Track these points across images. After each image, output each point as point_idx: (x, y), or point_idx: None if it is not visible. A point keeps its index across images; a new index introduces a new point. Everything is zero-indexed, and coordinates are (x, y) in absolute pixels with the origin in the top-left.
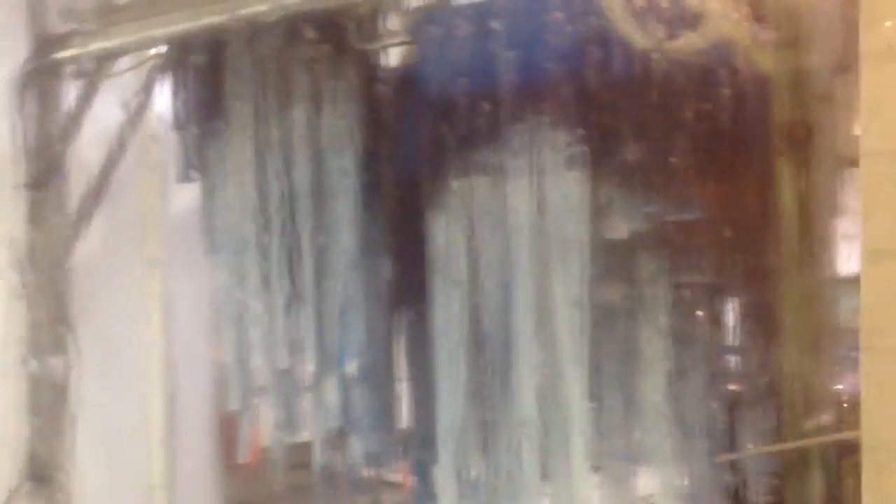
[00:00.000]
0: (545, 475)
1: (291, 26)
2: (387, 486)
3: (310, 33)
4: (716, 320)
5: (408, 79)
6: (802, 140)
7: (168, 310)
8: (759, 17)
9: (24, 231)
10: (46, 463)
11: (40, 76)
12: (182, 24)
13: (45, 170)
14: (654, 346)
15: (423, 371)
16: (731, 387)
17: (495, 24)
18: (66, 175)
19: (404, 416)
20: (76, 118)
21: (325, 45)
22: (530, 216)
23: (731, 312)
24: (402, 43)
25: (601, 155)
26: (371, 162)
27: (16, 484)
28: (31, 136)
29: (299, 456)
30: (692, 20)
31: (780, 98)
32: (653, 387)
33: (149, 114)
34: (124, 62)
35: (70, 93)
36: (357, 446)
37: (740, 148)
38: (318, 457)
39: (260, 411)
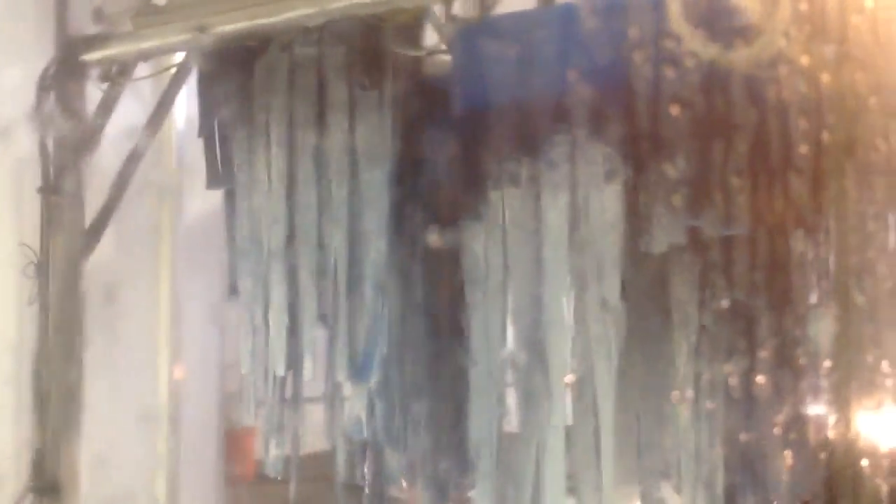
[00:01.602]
0: (575, 492)
1: (329, 33)
2: (394, 502)
3: (348, 40)
4: (753, 341)
5: (447, 89)
6: (857, 157)
7: (179, 319)
8: (817, 34)
9: (40, 236)
10: (52, 474)
11: (64, 79)
12: (220, 28)
13: (63, 174)
14: (688, 363)
15: (453, 386)
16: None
17: (536, 35)
18: (83, 180)
19: (430, 431)
20: (97, 123)
21: (363, 53)
22: (566, 229)
23: (768, 334)
24: (442, 52)
25: (642, 169)
26: (406, 172)
27: (21, 494)
28: (51, 139)
29: (305, 469)
30: (750, 34)
31: (836, 115)
32: (684, 403)
33: (168, 119)
34: (145, 68)
35: (94, 96)
36: (378, 460)
37: (790, 163)
38: (339, 469)
39: (274, 424)
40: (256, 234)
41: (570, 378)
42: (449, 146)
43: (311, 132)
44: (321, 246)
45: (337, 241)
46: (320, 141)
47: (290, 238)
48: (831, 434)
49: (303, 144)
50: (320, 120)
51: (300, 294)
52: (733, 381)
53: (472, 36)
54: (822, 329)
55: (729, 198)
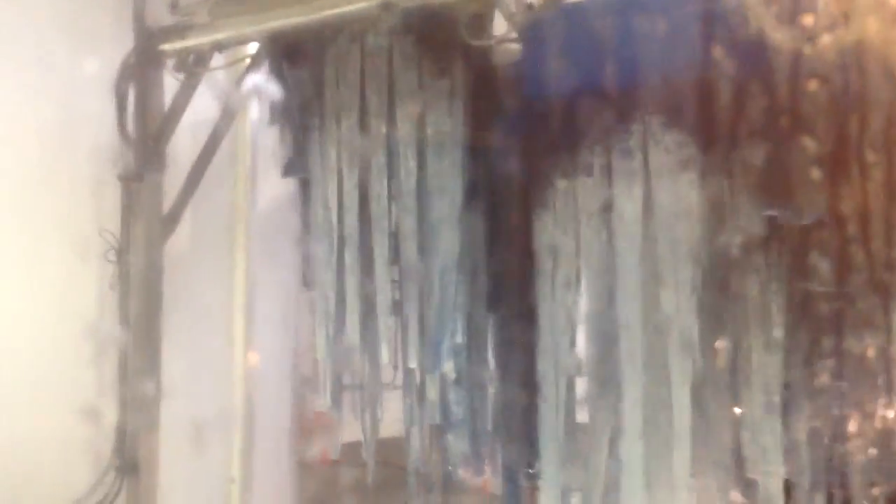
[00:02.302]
0: (647, 484)
1: (400, 22)
2: (466, 490)
3: (418, 30)
4: (834, 331)
5: (517, 77)
6: None
7: (253, 305)
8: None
9: (121, 222)
10: (133, 454)
11: (143, 68)
12: (293, 19)
13: (143, 162)
14: (763, 356)
15: (523, 374)
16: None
17: (608, 24)
18: (162, 168)
19: (500, 419)
20: (176, 111)
21: (433, 42)
22: (640, 219)
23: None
24: (513, 40)
25: (718, 157)
26: (476, 161)
27: (103, 473)
28: (131, 128)
29: (378, 454)
30: (839, 18)
31: None
32: (759, 397)
33: (243, 108)
34: (222, 58)
35: (171, 86)
36: (450, 446)
37: (874, 152)
38: (412, 455)
39: (348, 409)
40: (329, 223)
41: (643, 372)
42: (519, 135)
43: (382, 121)
44: (392, 234)
45: (408, 230)
46: (391, 129)
47: (363, 226)
48: None
49: (374, 133)
50: (391, 109)
51: (373, 282)
52: (814, 375)
53: (542, 24)
54: None
55: (808, 187)
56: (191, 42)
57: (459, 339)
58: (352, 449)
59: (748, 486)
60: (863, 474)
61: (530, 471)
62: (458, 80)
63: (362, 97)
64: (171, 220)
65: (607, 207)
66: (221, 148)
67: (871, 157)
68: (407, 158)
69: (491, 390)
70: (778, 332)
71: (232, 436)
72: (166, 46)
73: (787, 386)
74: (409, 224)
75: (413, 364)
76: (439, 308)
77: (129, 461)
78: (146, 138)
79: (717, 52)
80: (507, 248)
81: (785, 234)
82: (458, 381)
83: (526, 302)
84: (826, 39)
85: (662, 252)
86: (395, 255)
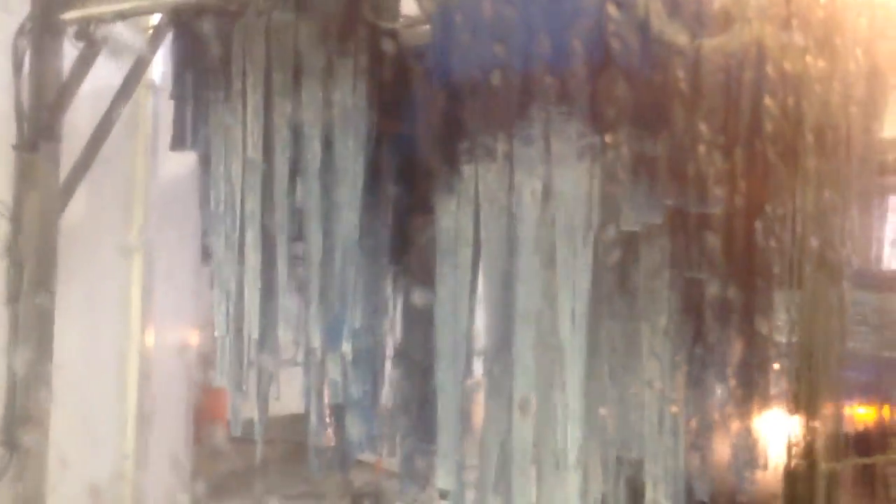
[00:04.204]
0: (538, 462)
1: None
2: (364, 467)
3: (325, 7)
4: (720, 317)
5: (424, 61)
6: (830, 142)
7: (151, 279)
8: (790, 23)
9: (14, 192)
10: (22, 430)
11: (40, 36)
12: None
13: (38, 132)
14: (655, 342)
15: (422, 355)
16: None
17: (514, 11)
18: (59, 138)
19: (399, 398)
20: (74, 81)
21: (339, 21)
22: (538, 205)
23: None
24: (420, 23)
25: (615, 147)
26: (379, 143)
27: None
28: (27, 97)
29: (276, 431)
30: (724, 22)
31: (808, 100)
32: (650, 380)
33: (144, 80)
34: (124, 28)
35: (69, 56)
36: (348, 424)
37: (761, 147)
38: (311, 432)
39: (243, 386)
40: (231, 200)
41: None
42: (424, 118)
43: (287, 99)
44: (294, 213)
45: (311, 209)
46: (295, 108)
47: (265, 204)
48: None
49: (278, 110)
50: (295, 87)
51: (274, 260)
52: (701, 362)
53: (451, 9)
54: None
55: (702, 177)
56: (92, 10)
57: (360, 319)
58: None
59: (635, 467)
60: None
61: (426, 448)
62: (363, 61)
63: (267, 74)
64: (66, 192)
65: (508, 193)
66: (121, 119)
67: (760, 151)
68: (311, 138)
69: (390, 370)
70: (664, 319)
71: (126, 412)
72: (67, 15)
73: (674, 369)
74: (312, 204)
75: (314, 343)
76: (340, 288)
77: (18, 438)
78: (42, 107)
79: (617, 46)
80: (409, 230)
81: (678, 224)
82: (357, 361)
83: (426, 284)
84: (720, 39)
85: (560, 238)
86: (298, 234)
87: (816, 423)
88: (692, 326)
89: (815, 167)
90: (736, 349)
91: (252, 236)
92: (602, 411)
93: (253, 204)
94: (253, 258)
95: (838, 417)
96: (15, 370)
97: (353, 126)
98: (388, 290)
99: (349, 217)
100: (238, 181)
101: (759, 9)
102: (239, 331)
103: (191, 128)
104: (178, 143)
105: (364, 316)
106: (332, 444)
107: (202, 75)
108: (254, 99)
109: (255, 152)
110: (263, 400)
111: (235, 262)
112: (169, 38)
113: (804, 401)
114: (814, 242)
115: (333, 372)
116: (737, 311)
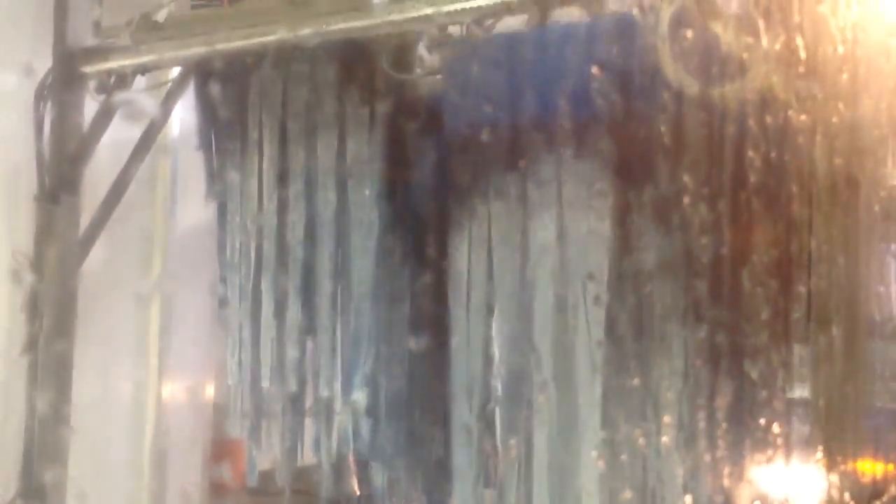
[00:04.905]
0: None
1: (323, 51)
2: None
3: (341, 59)
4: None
5: (437, 109)
6: (843, 192)
7: (169, 329)
8: (804, 71)
9: (34, 244)
10: (40, 481)
11: (61, 89)
12: (220, 45)
13: (58, 184)
14: (669, 384)
15: (438, 402)
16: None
17: (527, 56)
18: (79, 190)
19: (414, 449)
20: (94, 134)
21: (356, 72)
22: (553, 246)
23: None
24: (434, 73)
25: (628, 191)
26: (395, 191)
27: (10, 499)
28: (48, 148)
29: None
30: (738, 69)
31: (822, 149)
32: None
33: (163, 133)
34: (143, 81)
35: (89, 108)
36: (363, 476)
37: (773, 195)
38: (325, 483)
39: (260, 436)
40: (246, 248)
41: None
42: (438, 165)
43: (302, 149)
44: (309, 261)
45: (324, 258)
46: (310, 157)
47: (280, 253)
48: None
49: (294, 160)
50: (311, 137)
51: (287, 308)
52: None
53: (464, 58)
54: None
55: (713, 220)
56: (113, 64)
57: (373, 368)
58: (271, 476)
59: None
60: None
61: (442, 500)
62: (378, 111)
63: (283, 124)
64: (86, 243)
65: (521, 233)
66: (140, 171)
67: (771, 200)
68: (326, 188)
69: (405, 419)
70: (680, 361)
71: (143, 461)
72: (87, 68)
73: (689, 417)
74: (325, 253)
75: (326, 392)
76: (354, 337)
77: (36, 489)
78: (63, 160)
79: (627, 90)
80: (422, 276)
81: (691, 266)
82: (372, 410)
83: (441, 330)
84: (729, 87)
85: (573, 279)
86: (311, 283)
87: (839, 481)
88: (707, 368)
89: (831, 216)
90: (750, 392)
91: (266, 285)
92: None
93: (268, 253)
94: (267, 307)
95: (863, 475)
96: (33, 423)
97: (368, 176)
98: (403, 338)
99: (363, 265)
100: (254, 231)
101: (771, 57)
102: (253, 380)
103: (214, 178)
104: (210, 193)
105: (378, 364)
106: (346, 495)
107: (221, 126)
108: (270, 149)
109: (269, 202)
110: (285, 449)
111: (249, 310)
112: (188, 90)
113: (826, 458)
114: (825, 295)
115: (344, 422)
116: (749, 354)
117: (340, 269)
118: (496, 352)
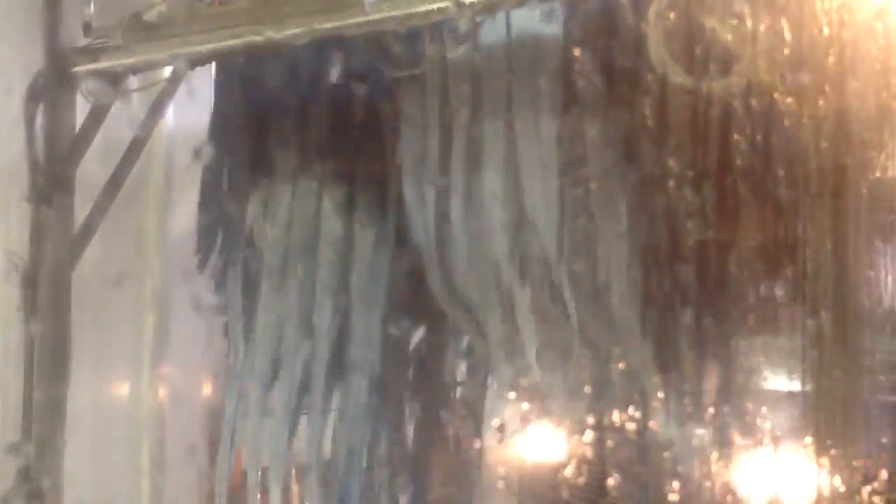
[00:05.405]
0: None
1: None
2: None
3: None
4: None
5: None
6: (834, 184)
7: (165, 328)
8: (795, 63)
9: (27, 245)
10: (37, 481)
11: (53, 89)
12: (211, 45)
13: (51, 184)
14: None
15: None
16: None
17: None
18: (72, 191)
19: None
20: (87, 133)
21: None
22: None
23: None
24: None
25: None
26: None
27: (5, 501)
28: (40, 149)
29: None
30: (728, 61)
31: (812, 141)
32: None
33: (156, 132)
34: (136, 81)
35: (82, 108)
36: None
37: (764, 189)
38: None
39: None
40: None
41: None
42: None
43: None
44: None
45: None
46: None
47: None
48: None
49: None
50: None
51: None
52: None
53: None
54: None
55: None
56: (104, 64)
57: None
58: None
59: None
60: None
61: None
62: (385, 230)
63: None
64: (79, 243)
65: None
66: (134, 171)
67: (766, 192)
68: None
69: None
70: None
71: (141, 460)
72: (79, 68)
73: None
74: (330, 333)
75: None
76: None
77: (34, 489)
78: (55, 160)
79: (621, 82)
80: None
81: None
82: (371, 484)
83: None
84: (719, 79)
85: None
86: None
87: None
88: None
89: (827, 207)
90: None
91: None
92: None
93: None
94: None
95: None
96: (30, 420)
97: (372, 298)
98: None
99: (360, 384)
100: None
101: (762, 50)
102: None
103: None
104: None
105: (381, 438)
106: None
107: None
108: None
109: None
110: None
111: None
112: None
113: (824, 451)
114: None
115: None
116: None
117: (337, 383)
118: None
